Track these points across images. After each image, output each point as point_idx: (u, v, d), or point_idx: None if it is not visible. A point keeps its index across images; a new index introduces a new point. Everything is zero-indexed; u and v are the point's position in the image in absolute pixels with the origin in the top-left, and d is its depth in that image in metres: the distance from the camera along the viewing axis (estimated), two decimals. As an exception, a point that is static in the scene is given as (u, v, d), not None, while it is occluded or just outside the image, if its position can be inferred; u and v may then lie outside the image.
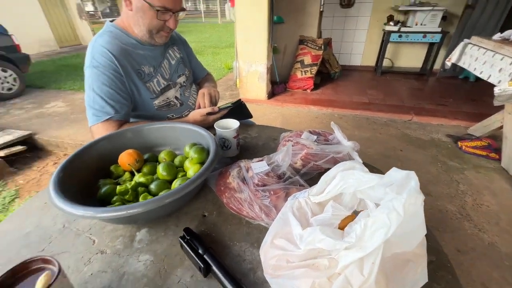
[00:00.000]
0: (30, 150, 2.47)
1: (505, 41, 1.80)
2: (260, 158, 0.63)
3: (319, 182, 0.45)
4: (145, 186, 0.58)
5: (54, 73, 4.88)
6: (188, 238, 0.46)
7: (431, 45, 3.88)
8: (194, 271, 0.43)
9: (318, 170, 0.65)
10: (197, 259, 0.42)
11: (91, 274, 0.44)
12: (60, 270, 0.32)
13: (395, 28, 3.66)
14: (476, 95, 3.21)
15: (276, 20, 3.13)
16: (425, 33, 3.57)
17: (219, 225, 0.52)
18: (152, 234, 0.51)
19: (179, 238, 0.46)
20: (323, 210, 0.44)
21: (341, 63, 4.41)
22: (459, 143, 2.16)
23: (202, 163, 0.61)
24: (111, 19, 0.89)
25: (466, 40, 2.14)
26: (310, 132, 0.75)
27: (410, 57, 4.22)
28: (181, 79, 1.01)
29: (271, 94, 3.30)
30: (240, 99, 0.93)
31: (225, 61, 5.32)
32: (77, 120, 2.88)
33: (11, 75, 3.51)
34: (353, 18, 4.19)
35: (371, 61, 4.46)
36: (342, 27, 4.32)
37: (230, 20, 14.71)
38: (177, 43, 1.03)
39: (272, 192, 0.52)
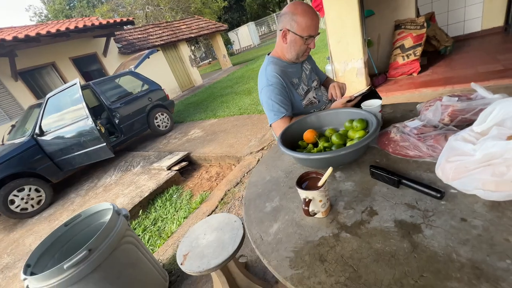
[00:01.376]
0: (189, 165, 3.46)
1: None
2: (411, 119, 0.82)
3: (479, 117, 0.61)
4: (328, 148, 0.89)
5: (184, 110, 6.50)
6: (376, 168, 0.71)
7: None
8: (387, 186, 0.68)
9: (467, 122, 0.78)
10: (390, 176, 0.66)
11: (319, 192, 0.75)
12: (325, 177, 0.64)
13: (529, -29, 2.93)
14: None
15: (366, 14, 3.17)
16: None
17: (391, 165, 0.75)
18: (345, 173, 0.79)
19: (370, 168, 0.72)
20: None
21: (452, 35, 3.83)
22: None
23: (364, 129, 0.87)
24: (268, 52, 1.32)
25: None
26: (450, 96, 0.88)
27: None
28: (314, 83, 1.34)
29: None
30: (371, 86, 1.15)
31: (313, 68, 5.59)
32: (212, 140, 3.78)
33: (166, 116, 5.01)
34: (459, -19, 3.62)
35: (497, 22, 3.65)
36: (446, -5, 3.79)
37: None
38: (307, 59, 1.38)
39: (433, 136, 0.71)
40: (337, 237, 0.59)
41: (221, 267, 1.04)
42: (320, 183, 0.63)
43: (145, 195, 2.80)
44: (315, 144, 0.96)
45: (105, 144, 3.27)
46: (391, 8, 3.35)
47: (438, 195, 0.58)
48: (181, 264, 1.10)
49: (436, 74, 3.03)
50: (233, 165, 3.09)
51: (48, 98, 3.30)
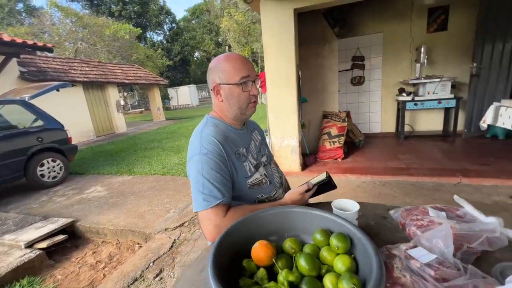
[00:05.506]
0: (69, 238, 2.41)
1: (542, 101, 1.88)
2: (410, 244, 0.56)
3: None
4: (295, 286, 0.51)
5: (92, 159, 5.26)
6: None
7: (447, 109, 4.09)
8: None
9: (475, 254, 0.57)
10: None
11: None
12: None
13: (409, 98, 3.96)
14: (516, 152, 3.13)
15: (301, 100, 3.48)
16: (439, 99, 3.82)
17: (407, 338, 0.42)
18: None
19: None
20: None
21: (362, 131, 4.60)
22: (531, 206, 1.97)
23: (349, 254, 0.55)
24: (209, 113, 1.00)
25: (496, 104, 2.24)
26: (434, 208, 0.70)
27: (429, 122, 4.39)
28: (264, 159, 1.05)
29: (304, 166, 3.33)
30: (327, 172, 0.93)
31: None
32: (117, 204, 2.90)
33: (58, 164, 3.81)
34: (365, 93, 4.62)
35: (390, 128, 4.65)
36: (356, 101, 4.72)
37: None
38: (256, 128, 1.12)
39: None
40: None
41: None
42: None
43: (-43, 299, 1.61)
44: (270, 270, 0.57)
45: None
46: (320, 101, 3.84)
47: None
48: None
49: (357, 162, 3.37)
50: (138, 244, 2.29)
51: None
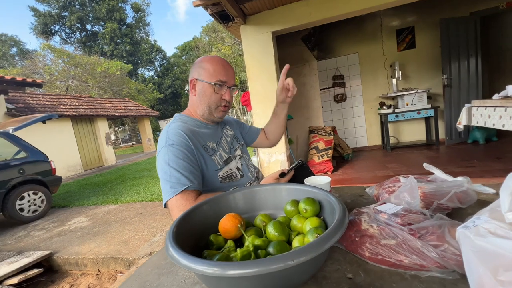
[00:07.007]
0: (45, 273, 2.21)
1: (506, 97, 1.99)
2: (380, 202, 0.55)
3: (502, 199, 0.38)
4: (262, 250, 0.48)
5: (77, 192, 5.06)
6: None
7: (427, 119, 4.26)
8: None
9: (446, 210, 0.56)
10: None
11: None
12: None
13: (390, 111, 4.12)
14: (497, 154, 3.21)
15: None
16: (418, 110, 3.99)
17: (376, 285, 0.40)
18: (298, 309, 0.38)
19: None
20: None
21: (350, 146, 4.67)
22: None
23: (317, 216, 0.54)
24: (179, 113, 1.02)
25: (467, 105, 2.36)
26: (404, 177, 0.70)
27: (412, 132, 4.53)
28: (238, 152, 1.05)
29: (294, 181, 3.30)
30: (301, 159, 0.94)
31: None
32: (99, 233, 2.74)
33: (40, 197, 3.64)
34: (349, 109, 4.79)
35: (376, 141, 4.75)
36: (341, 117, 4.87)
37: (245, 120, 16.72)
38: (229, 123, 1.14)
39: (429, 228, 0.43)
40: None
41: None
42: None
43: None
44: (239, 241, 0.54)
45: None
46: (305, 117, 3.95)
47: None
48: None
49: (346, 174, 3.37)
50: (121, 272, 2.12)
51: None
